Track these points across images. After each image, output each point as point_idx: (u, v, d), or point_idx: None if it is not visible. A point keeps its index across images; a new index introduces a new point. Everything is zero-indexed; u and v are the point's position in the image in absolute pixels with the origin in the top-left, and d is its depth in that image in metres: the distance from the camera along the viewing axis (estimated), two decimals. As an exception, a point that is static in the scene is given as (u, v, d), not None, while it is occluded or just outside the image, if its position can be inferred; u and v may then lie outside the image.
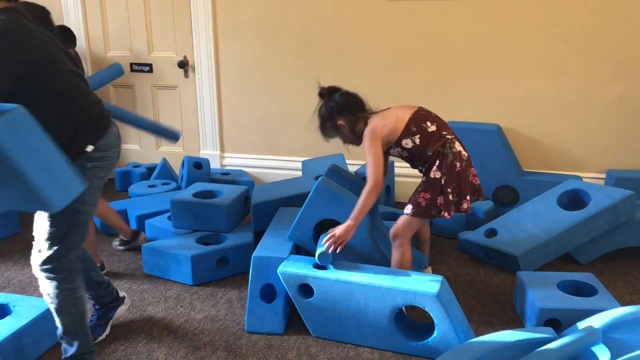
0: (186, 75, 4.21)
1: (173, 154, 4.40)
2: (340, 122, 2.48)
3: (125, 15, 4.22)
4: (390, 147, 2.45)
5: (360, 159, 3.87)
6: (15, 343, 2.09)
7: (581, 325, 2.04)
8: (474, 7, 3.56)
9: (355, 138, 2.53)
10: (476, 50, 3.62)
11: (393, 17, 3.68)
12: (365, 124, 2.45)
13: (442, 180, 2.33)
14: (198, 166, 3.82)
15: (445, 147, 2.35)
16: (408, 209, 2.40)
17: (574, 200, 3.01)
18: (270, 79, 4.03)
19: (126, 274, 2.91)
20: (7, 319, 2.19)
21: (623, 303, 2.47)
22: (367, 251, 2.52)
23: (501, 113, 3.67)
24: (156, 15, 4.17)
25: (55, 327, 2.02)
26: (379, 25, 3.72)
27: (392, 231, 2.44)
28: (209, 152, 4.29)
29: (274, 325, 2.36)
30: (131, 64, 4.30)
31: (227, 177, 4.02)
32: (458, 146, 2.39)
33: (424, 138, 2.37)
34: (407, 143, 2.39)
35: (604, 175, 3.63)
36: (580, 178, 3.51)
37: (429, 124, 2.39)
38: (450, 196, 2.33)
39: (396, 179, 3.78)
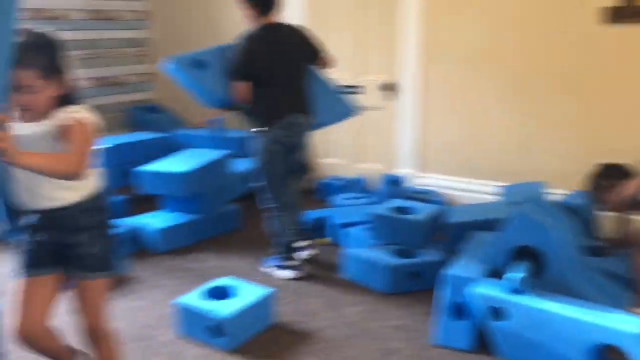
0: (391, 97, 4.47)
1: (371, 170, 4.68)
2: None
3: (340, 37, 4.62)
4: None
5: (561, 188, 3.76)
6: (236, 321, 2.48)
7: None
8: None
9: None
10: None
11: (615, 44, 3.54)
12: None
13: None
14: (396, 183, 4.03)
15: None
16: None
17: None
18: (472, 104, 4.11)
19: (326, 275, 3.22)
20: (232, 299, 2.60)
21: None
22: (572, 290, 2.47)
23: None
24: (364, 39, 4.50)
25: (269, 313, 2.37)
26: (594, 54, 3.59)
27: None
28: (406, 171, 4.49)
29: (463, 342, 2.45)
30: (343, 86, 4.69)
31: (420, 196, 4.17)
32: None
33: None
34: None
35: None
36: None
37: None
38: None
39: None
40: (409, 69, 4.30)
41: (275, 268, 3.25)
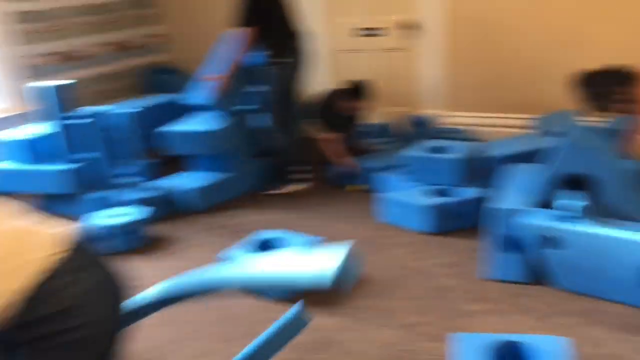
0: (412, 36, 4.35)
1: (395, 113, 4.59)
2: (626, 91, 2.64)
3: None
4: None
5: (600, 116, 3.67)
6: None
7: None
8: None
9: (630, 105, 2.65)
10: None
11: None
12: None
13: None
14: (423, 124, 3.97)
15: None
16: None
17: None
18: (503, 33, 3.98)
19: (366, 221, 3.20)
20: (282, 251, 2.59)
21: None
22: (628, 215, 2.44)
23: None
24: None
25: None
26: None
27: None
28: (434, 111, 4.41)
29: (517, 274, 2.44)
30: (360, 29, 4.57)
31: (451, 135, 4.10)
32: None
33: None
34: None
35: None
36: None
37: None
38: None
39: None
40: (433, 4, 4.17)
41: (286, 185, 3.72)
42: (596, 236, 2.21)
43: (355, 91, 3.85)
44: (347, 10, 4.58)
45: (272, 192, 3.76)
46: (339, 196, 3.61)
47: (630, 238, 2.13)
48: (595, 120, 3.45)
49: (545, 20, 3.80)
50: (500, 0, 3.92)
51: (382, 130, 4.37)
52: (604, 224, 2.26)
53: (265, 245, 2.65)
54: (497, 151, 3.14)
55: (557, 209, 2.36)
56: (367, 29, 4.54)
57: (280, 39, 3.56)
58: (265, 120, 3.88)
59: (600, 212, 2.38)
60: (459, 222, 3.00)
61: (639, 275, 2.14)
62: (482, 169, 3.21)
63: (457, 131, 4.18)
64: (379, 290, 2.50)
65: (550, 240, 2.32)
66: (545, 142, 2.85)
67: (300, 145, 3.83)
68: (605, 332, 2.08)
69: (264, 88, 3.83)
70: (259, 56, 3.70)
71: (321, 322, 2.28)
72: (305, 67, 3.69)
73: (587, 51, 3.70)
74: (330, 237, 3.01)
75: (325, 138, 3.82)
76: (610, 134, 3.02)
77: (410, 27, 4.32)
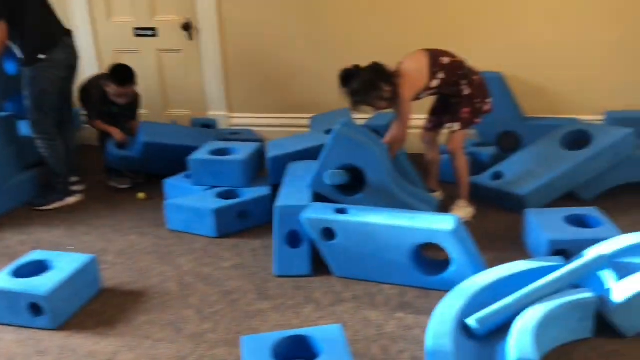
0: (190, 37, 4.26)
1: (182, 116, 4.47)
2: (386, 88, 2.78)
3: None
4: (419, 94, 2.86)
5: (364, 112, 3.97)
6: (55, 296, 2.22)
7: (588, 252, 2.19)
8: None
9: (392, 101, 2.84)
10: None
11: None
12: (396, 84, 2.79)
13: (473, 94, 2.86)
14: (207, 127, 3.91)
15: (464, 69, 2.87)
16: (456, 125, 2.90)
17: (577, 141, 3.13)
18: (274, 37, 4.09)
19: (151, 231, 3.04)
20: (46, 273, 2.31)
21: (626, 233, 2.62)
22: (391, 197, 2.65)
23: (503, 60, 3.75)
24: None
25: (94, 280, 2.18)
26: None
27: (449, 148, 2.95)
28: (217, 113, 4.37)
29: (301, 268, 2.51)
30: (135, 29, 4.34)
31: (237, 137, 4.11)
32: (467, 62, 2.91)
33: (447, 72, 2.83)
34: (435, 82, 2.83)
35: (602, 117, 3.74)
36: (580, 121, 3.62)
37: (443, 58, 2.84)
38: (478, 102, 2.88)
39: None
40: (206, 6, 4.11)
41: (54, 201, 3.38)
42: (368, 225, 2.36)
43: (118, 75, 3.54)
44: (122, 9, 4.32)
45: (42, 207, 3.37)
46: (122, 206, 3.38)
47: (400, 224, 2.32)
48: (362, 117, 3.74)
49: (313, 24, 3.99)
50: (267, 4, 4.02)
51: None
52: (371, 212, 2.43)
53: (29, 270, 2.34)
54: (277, 150, 3.20)
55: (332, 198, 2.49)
56: (144, 28, 4.33)
57: (35, 38, 3.13)
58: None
59: (370, 199, 2.56)
60: (245, 222, 3.00)
61: (410, 257, 2.34)
62: (265, 169, 3.26)
63: (242, 132, 4.20)
64: (165, 303, 2.37)
65: (327, 232, 2.42)
66: (322, 140, 3.00)
67: (70, 154, 3.47)
68: (378, 313, 2.23)
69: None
70: (13, 57, 3.29)
71: (94, 347, 2.09)
72: (69, 69, 3.33)
73: (356, 51, 3.98)
74: (112, 252, 2.81)
75: (96, 126, 3.68)
76: (375, 129, 3.31)
77: (186, 29, 4.22)
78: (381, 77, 2.76)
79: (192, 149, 3.27)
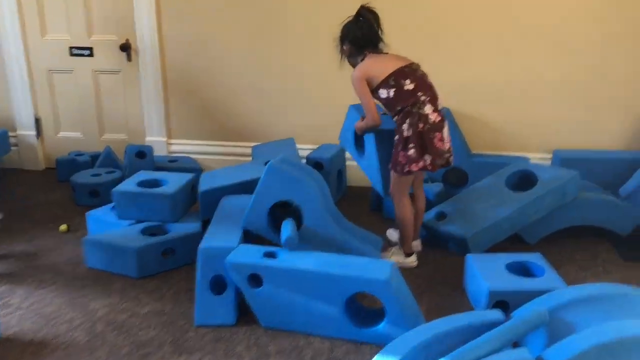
0: (129, 58, 4.04)
1: (117, 141, 4.22)
2: (345, 46, 2.66)
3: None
4: (372, 88, 2.60)
5: (310, 143, 3.82)
6: None
7: (529, 307, 2.05)
8: (422, -11, 3.53)
9: (352, 63, 2.71)
10: (423, 35, 3.60)
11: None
12: (362, 61, 2.62)
13: (409, 137, 2.53)
14: (141, 155, 3.68)
15: (414, 107, 2.52)
16: (391, 167, 2.64)
17: (522, 181, 3.04)
18: (217, 61, 3.91)
19: (67, 269, 2.78)
20: None
21: (569, 282, 2.50)
22: (331, 239, 2.48)
23: (450, 96, 3.64)
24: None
25: None
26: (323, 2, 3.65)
27: (390, 190, 2.72)
28: (155, 139, 4.14)
29: (224, 317, 2.29)
30: (70, 48, 4.10)
31: (174, 165, 3.90)
32: (428, 109, 2.54)
33: (398, 94, 2.53)
34: (382, 93, 2.57)
35: (550, 156, 3.69)
36: (527, 159, 3.56)
37: (408, 81, 2.54)
38: (413, 152, 2.53)
39: (347, 162, 3.74)
40: (145, 28, 3.91)
41: None
42: (297, 271, 2.17)
43: None
44: (58, 26, 4.08)
45: None
46: (39, 239, 3.10)
47: (331, 271, 2.14)
48: (306, 147, 3.59)
49: (257, 48, 3.83)
50: (209, 26, 3.85)
51: (95, 161, 3.96)
52: (308, 257, 2.24)
53: None
54: (210, 183, 2.99)
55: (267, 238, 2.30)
56: (80, 47, 4.09)
57: None
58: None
59: (303, 237, 2.38)
60: (171, 261, 2.77)
61: (342, 307, 2.16)
62: (196, 202, 3.05)
63: (177, 160, 3.99)
64: (68, 356, 2.11)
65: (253, 278, 2.23)
66: (260, 172, 2.81)
67: None
68: (307, 369, 2.04)
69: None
70: None
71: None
72: None
73: (303, 77, 3.84)
74: (18, 293, 2.53)
75: None
76: (318, 161, 3.15)
77: (125, 49, 4.00)
78: (355, 41, 2.63)
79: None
